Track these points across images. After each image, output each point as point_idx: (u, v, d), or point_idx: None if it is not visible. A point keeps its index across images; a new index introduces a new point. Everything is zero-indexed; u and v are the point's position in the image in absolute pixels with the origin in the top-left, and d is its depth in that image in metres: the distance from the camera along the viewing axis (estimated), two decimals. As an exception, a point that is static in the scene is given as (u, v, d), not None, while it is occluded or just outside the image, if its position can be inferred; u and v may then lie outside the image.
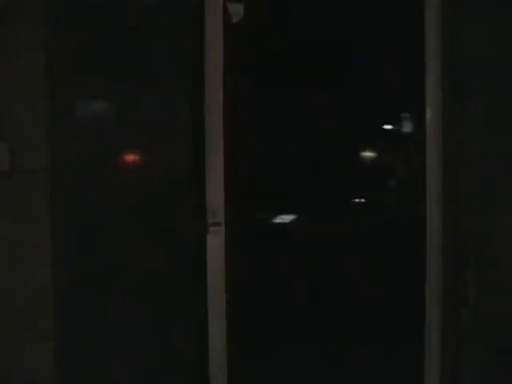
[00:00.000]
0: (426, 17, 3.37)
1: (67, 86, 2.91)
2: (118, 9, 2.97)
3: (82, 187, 2.94)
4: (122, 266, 3.00)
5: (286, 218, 4.12)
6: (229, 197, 3.21)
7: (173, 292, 3.08)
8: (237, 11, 3.20)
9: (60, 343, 2.92)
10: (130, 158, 3.05)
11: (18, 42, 2.85)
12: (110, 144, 2.97)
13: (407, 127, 4.13)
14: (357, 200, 4.17)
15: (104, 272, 2.97)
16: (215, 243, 3.19)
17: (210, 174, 3.17)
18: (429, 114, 3.39)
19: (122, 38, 2.95)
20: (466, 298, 3.27)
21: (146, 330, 3.03)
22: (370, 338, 3.77)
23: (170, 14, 3.02)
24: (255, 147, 3.88)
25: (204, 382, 3.21)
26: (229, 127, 3.20)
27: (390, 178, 4.21)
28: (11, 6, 2.83)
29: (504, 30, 3.27)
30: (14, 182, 2.87)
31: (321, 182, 4.00)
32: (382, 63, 3.91)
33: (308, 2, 3.74)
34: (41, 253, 2.90)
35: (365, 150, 4.16)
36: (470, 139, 3.27)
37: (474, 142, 3.27)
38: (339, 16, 3.73)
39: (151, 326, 3.04)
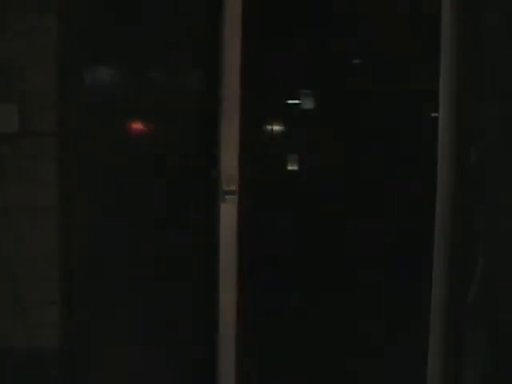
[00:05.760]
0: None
1: (79, 50, 2.92)
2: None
3: (90, 152, 2.94)
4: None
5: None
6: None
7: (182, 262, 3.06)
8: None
9: (64, 309, 2.92)
10: (140, 125, 3.04)
11: (31, 5, 2.87)
12: (119, 110, 2.97)
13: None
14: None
15: (112, 239, 2.97)
16: (229, 212, 3.06)
17: (224, 141, 3.04)
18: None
19: (135, 4, 2.97)
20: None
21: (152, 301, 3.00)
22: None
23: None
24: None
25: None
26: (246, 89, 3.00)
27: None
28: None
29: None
30: (23, 144, 2.87)
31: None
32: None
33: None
34: (48, 217, 2.90)
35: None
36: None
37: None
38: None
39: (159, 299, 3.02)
